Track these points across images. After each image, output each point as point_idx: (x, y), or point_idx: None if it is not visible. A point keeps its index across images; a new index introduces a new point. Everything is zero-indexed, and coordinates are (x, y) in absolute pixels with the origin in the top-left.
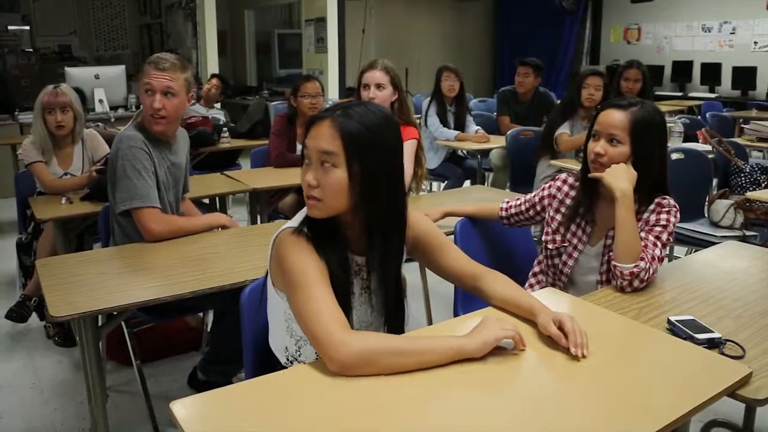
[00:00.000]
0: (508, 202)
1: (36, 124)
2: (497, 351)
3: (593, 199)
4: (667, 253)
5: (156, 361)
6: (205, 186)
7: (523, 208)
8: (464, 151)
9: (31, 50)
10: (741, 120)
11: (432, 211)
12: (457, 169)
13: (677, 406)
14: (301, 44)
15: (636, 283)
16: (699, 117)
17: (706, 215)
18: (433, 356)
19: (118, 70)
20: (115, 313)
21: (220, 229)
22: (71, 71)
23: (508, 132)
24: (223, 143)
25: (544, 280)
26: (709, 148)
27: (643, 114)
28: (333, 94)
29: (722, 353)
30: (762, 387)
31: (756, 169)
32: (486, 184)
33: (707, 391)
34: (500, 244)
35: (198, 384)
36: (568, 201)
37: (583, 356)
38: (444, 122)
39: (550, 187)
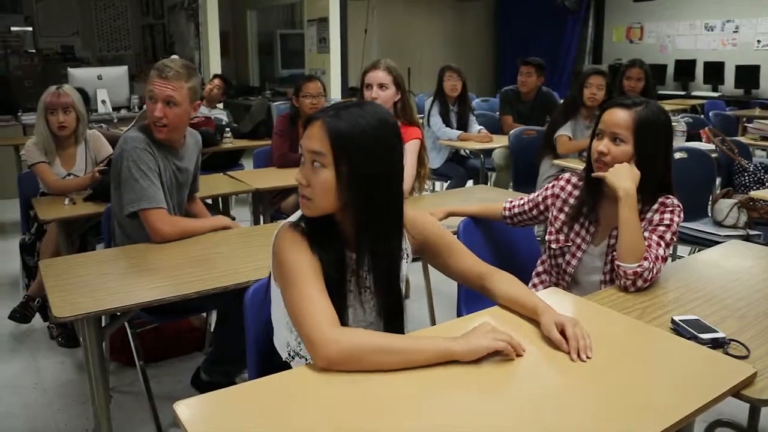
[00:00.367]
0: (511, 202)
1: (39, 124)
2: (498, 351)
3: (597, 198)
4: (671, 252)
5: (159, 361)
6: (207, 186)
7: (526, 207)
8: (467, 151)
9: (33, 51)
10: (744, 119)
11: (435, 211)
12: (460, 168)
13: (681, 406)
14: (303, 44)
15: (639, 282)
16: (702, 116)
17: (710, 214)
18: (419, 356)
19: (120, 71)
20: (118, 313)
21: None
22: (74, 72)
23: (511, 131)
24: (225, 143)
25: (547, 280)
26: (712, 147)
27: (647, 113)
28: (335, 95)
29: (726, 353)
30: (767, 387)
31: (760, 168)
32: (489, 183)
33: (712, 391)
34: (503, 244)
35: (201, 384)
36: (571, 200)
37: (588, 358)
38: (447, 122)
39: (553, 186)
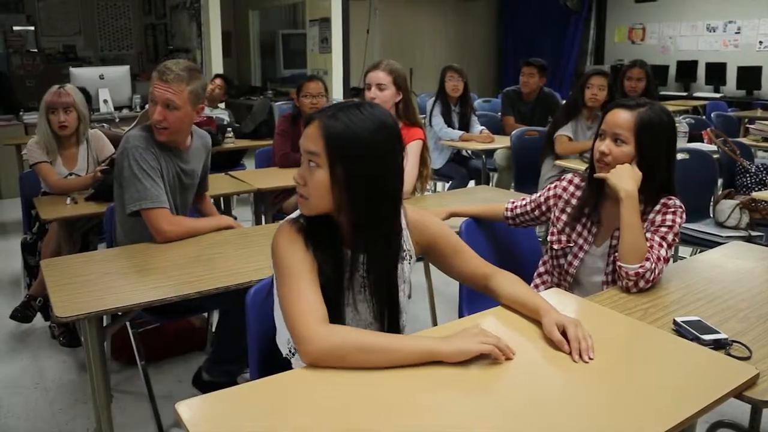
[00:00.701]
0: (513, 203)
1: (41, 124)
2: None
3: (599, 199)
4: (672, 253)
5: (160, 361)
6: (209, 186)
7: (528, 208)
8: (469, 151)
9: (35, 50)
10: (746, 120)
11: (437, 211)
12: (462, 169)
13: (684, 407)
14: (305, 44)
15: (641, 283)
16: (704, 117)
17: (712, 215)
18: (403, 355)
19: (122, 71)
20: (120, 313)
21: None
22: (76, 71)
23: (513, 132)
24: (227, 143)
25: (549, 281)
26: (714, 148)
27: (649, 115)
28: (337, 95)
29: (729, 354)
30: None
31: (761, 169)
32: (490, 184)
33: (714, 393)
34: (505, 245)
35: (203, 384)
36: (573, 201)
37: (590, 359)
38: (448, 122)
39: (555, 187)
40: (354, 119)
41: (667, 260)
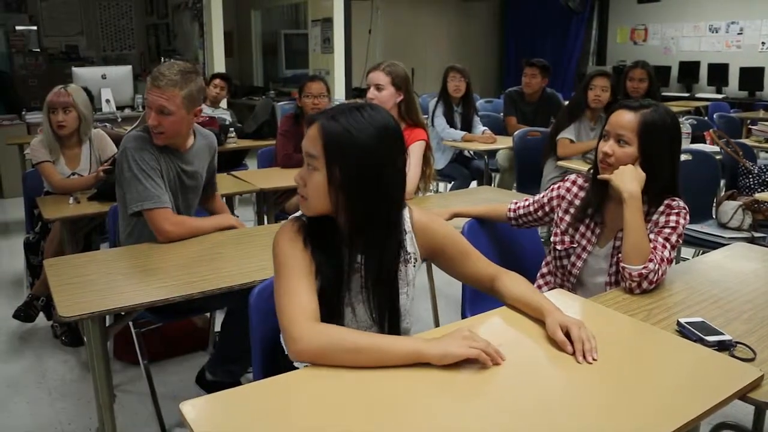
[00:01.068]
0: (516, 203)
1: (44, 123)
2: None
3: (602, 200)
4: (676, 254)
5: (163, 361)
6: None
7: (531, 209)
8: (471, 152)
9: (38, 50)
10: (749, 121)
11: (440, 212)
12: (464, 169)
13: (688, 409)
14: (307, 44)
15: (645, 284)
16: (706, 118)
17: (714, 216)
18: (389, 356)
19: (124, 70)
20: (122, 313)
21: None
22: (78, 71)
23: (515, 133)
24: (229, 143)
25: (552, 281)
26: (716, 149)
27: (653, 116)
28: (339, 95)
29: (733, 356)
30: None
31: (764, 170)
32: (493, 184)
33: (718, 394)
34: (508, 245)
35: (206, 384)
36: (577, 202)
37: (593, 360)
38: (451, 123)
39: (559, 188)
40: (353, 122)
41: (670, 261)
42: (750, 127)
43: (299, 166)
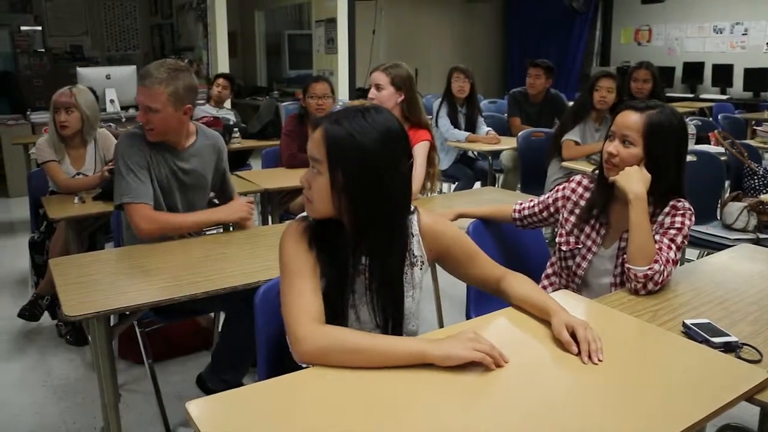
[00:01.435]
0: (521, 204)
1: (50, 123)
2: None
3: (608, 200)
4: (681, 255)
5: (167, 360)
6: None
7: (536, 209)
8: (475, 153)
9: (43, 50)
10: (753, 122)
11: (445, 213)
12: (468, 170)
13: (693, 410)
14: (311, 45)
15: (650, 285)
16: (710, 119)
17: (719, 218)
18: (392, 357)
19: (129, 71)
20: (127, 312)
21: (231, 227)
22: (83, 71)
23: (519, 133)
24: (233, 143)
25: (557, 282)
26: (721, 150)
27: (659, 117)
28: (343, 95)
29: (739, 357)
30: None
31: None
32: (496, 185)
33: (724, 396)
34: (513, 246)
35: (206, 388)
36: (582, 203)
37: (599, 360)
38: (455, 123)
39: (564, 188)
40: (356, 126)
41: (676, 262)
42: (755, 128)
43: (304, 166)
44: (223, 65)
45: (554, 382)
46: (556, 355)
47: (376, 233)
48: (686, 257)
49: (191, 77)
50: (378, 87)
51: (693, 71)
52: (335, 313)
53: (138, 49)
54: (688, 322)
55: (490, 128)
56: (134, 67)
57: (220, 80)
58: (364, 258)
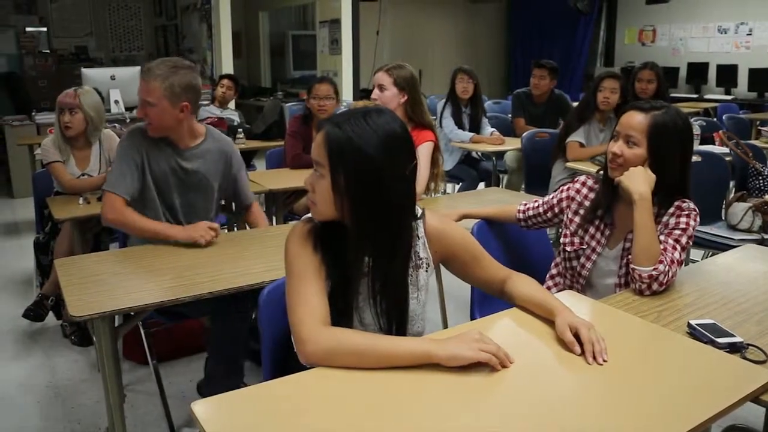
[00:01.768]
0: (525, 204)
1: (55, 123)
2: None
3: (612, 201)
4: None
5: (171, 360)
6: None
7: (541, 210)
8: (479, 153)
9: (48, 51)
10: (758, 122)
11: (450, 213)
12: (472, 171)
13: (699, 411)
14: (315, 46)
15: (655, 286)
16: (715, 119)
17: (724, 218)
18: (397, 358)
19: (133, 71)
20: (132, 313)
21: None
22: (87, 72)
23: (524, 134)
24: (238, 144)
25: (561, 283)
26: (726, 150)
27: (663, 118)
28: (347, 96)
29: (744, 358)
30: None
31: None
32: (501, 186)
33: (729, 397)
34: (517, 247)
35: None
36: (586, 203)
37: (604, 361)
38: (459, 124)
39: (568, 189)
40: (356, 129)
41: (680, 263)
42: (759, 128)
43: (308, 166)
44: (227, 66)
45: (559, 382)
46: (562, 355)
47: (378, 236)
48: (691, 258)
49: (192, 76)
50: (381, 88)
51: (697, 71)
52: (340, 314)
53: (142, 50)
54: (693, 322)
55: (494, 129)
56: (139, 68)
57: (225, 81)
58: (368, 260)
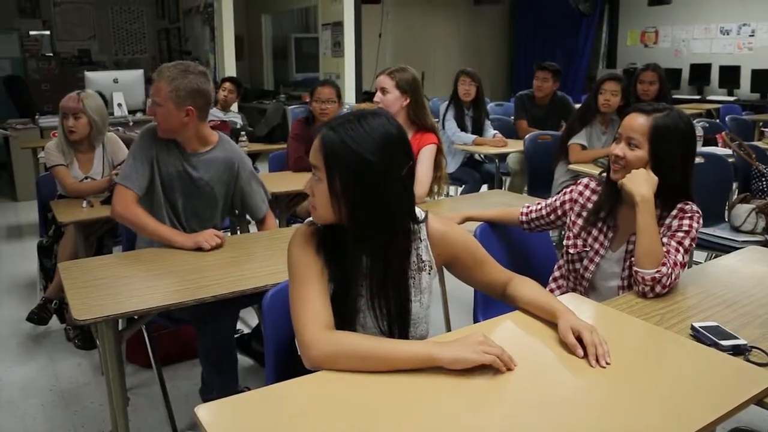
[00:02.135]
0: (528, 207)
1: (59, 127)
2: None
3: (615, 203)
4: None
5: (175, 364)
6: None
7: (544, 212)
8: (482, 155)
9: (51, 55)
10: (761, 123)
11: (452, 216)
12: (475, 173)
13: (702, 414)
14: (318, 48)
15: (658, 288)
16: (717, 120)
17: (727, 220)
18: (401, 361)
19: (136, 74)
20: (136, 317)
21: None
22: (90, 75)
23: (526, 136)
24: (240, 147)
25: (564, 285)
26: (729, 151)
27: (665, 120)
28: (350, 99)
29: (748, 360)
30: None
31: None
32: (503, 188)
33: (733, 399)
34: (520, 249)
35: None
36: (589, 206)
37: (607, 364)
38: (462, 126)
39: (571, 191)
40: (351, 133)
41: (684, 265)
42: (762, 129)
43: (311, 169)
44: (229, 69)
45: (562, 385)
46: (565, 358)
47: (376, 238)
48: (694, 260)
49: (200, 81)
50: (383, 91)
51: (700, 73)
52: (343, 317)
53: (145, 53)
54: (696, 325)
55: (496, 131)
56: (141, 71)
57: (226, 84)
58: (366, 261)
